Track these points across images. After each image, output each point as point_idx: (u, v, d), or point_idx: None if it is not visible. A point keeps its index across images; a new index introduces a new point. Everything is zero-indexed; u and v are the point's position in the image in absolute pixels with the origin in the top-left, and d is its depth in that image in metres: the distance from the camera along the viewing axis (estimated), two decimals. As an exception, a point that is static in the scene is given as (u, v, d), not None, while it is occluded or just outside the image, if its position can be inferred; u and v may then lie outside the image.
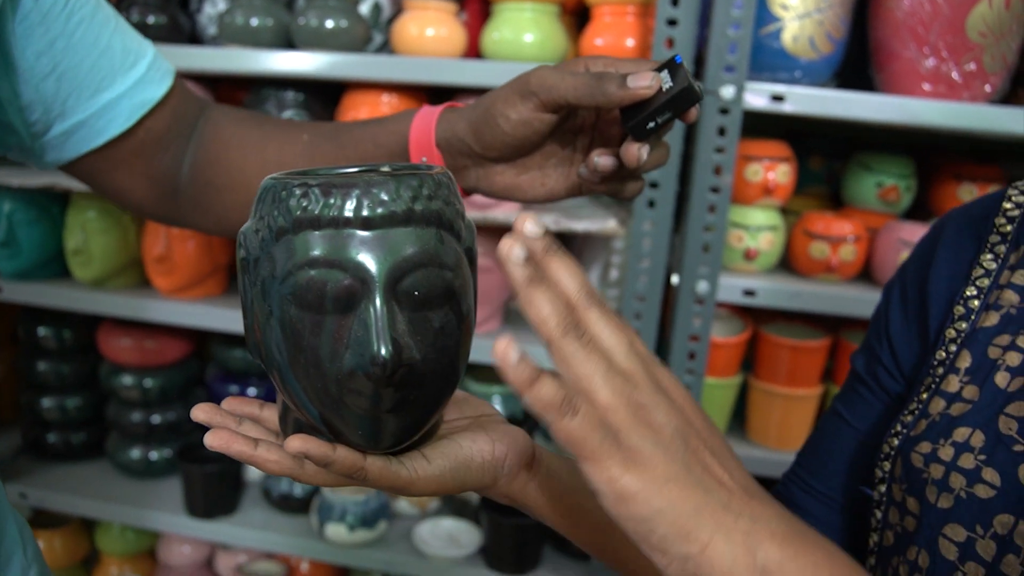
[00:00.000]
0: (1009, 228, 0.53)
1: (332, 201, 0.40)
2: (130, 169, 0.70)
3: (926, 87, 1.03)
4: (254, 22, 1.13)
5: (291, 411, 0.46)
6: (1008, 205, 0.54)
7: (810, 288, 1.10)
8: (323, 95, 1.24)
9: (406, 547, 1.29)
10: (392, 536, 1.32)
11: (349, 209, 0.40)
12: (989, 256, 0.53)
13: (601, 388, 0.35)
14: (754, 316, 1.23)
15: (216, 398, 1.41)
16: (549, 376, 0.34)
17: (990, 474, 0.46)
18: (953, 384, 0.51)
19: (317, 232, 0.40)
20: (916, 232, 1.08)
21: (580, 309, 0.38)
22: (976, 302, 0.52)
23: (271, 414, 0.50)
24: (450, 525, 1.32)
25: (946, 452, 0.49)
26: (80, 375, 1.43)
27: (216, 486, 1.33)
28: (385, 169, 0.49)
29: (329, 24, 1.11)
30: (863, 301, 1.08)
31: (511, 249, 0.36)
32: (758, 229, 1.10)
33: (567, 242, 1.33)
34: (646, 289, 1.10)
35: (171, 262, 1.21)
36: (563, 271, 0.38)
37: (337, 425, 0.43)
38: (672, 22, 1.00)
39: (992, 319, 0.51)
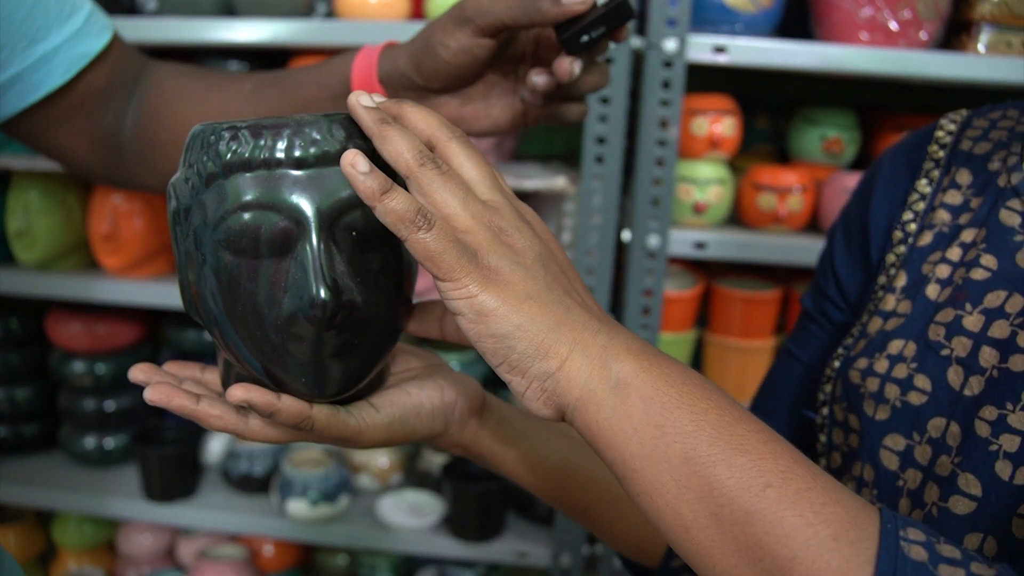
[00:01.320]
0: (942, 154, 0.55)
1: (263, 142, 0.39)
2: (71, 126, 0.68)
3: (864, 36, 1.05)
4: (195, -8, 1.12)
5: (233, 367, 0.45)
6: (940, 133, 0.56)
7: (759, 239, 1.11)
8: (268, 64, 1.22)
9: (369, 521, 1.28)
10: (355, 511, 1.31)
11: (280, 149, 0.39)
12: (924, 181, 0.55)
13: (459, 212, 0.35)
14: (706, 271, 1.24)
15: (171, 381, 1.38)
16: (402, 190, 0.34)
17: (922, 380, 0.47)
18: (890, 303, 0.53)
19: (248, 175, 0.40)
20: (860, 181, 1.10)
21: (442, 141, 0.38)
22: (913, 225, 0.54)
23: (213, 377, 0.49)
24: (412, 497, 1.32)
25: (881, 365, 0.50)
26: (29, 365, 1.39)
27: (174, 469, 1.30)
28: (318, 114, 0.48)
29: (271, -9, 1.10)
30: (812, 251, 1.09)
31: (358, 96, 0.37)
32: (706, 183, 1.12)
33: (521, 199, 1.33)
34: (598, 246, 1.10)
35: (118, 240, 1.19)
36: (419, 114, 0.39)
37: (280, 375, 0.42)
38: (612, -24, 1.01)
39: (926, 239, 0.53)
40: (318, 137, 0.40)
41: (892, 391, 0.49)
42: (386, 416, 0.45)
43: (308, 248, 0.39)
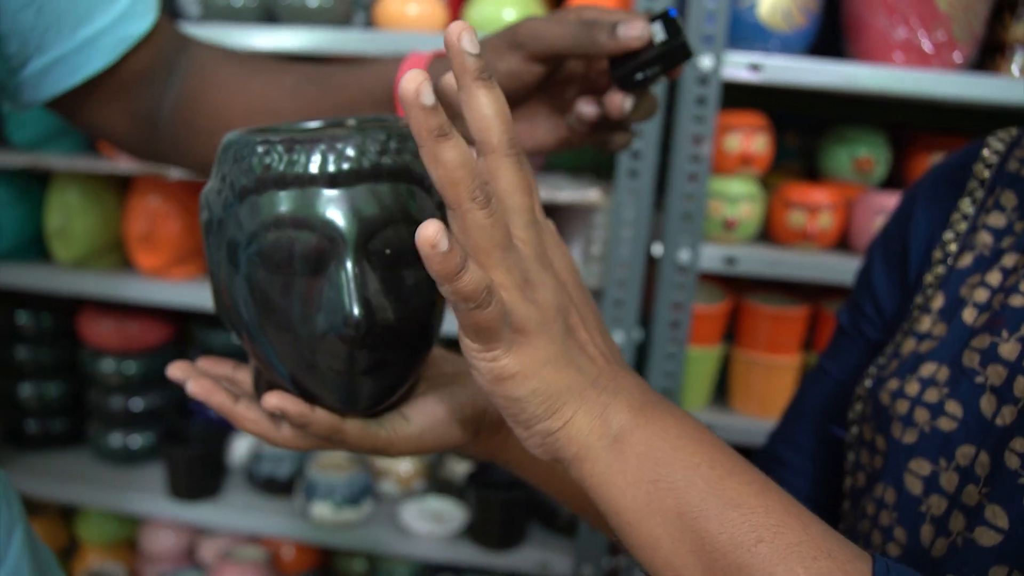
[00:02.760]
0: (987, 174, 0.54)
1: (296, 158, 0.39)
2: (111, 106, 0.68)
3: (898, 56, 1.06)
4: (238, 1, 1.14)
5: (263, 374, 0.44)
6: (987, 152, 0.55)
7: (789, 256, 1.12)
8: (306, 73, 1.24)
9: (391, 527, 1.29)
10: (377, 516, 1.32)
11: (314, 166, 0.38)
12: (967, 200, 0.54)
13: (498, 265, 0.34)
14: (736, 287, 1.24)
15: (199, 382, 1.40)
16: (473, 265, 0.31)
17: (953, 406, 0.47)
18: (925, 324, 0.52)
19: (282, 191, 0.39)
20: (891, 201, 1.11)
21: (496, 153, 0.35)
22: (954, 246, 0.53)
23: (244, 376, 0.49)
24: (435, 503, 1.32)
25: (912, 387, 0.49)
26: (59, 361, 1.41)
27: (200, 469, 1.32)
28: (351, 123, 0.47)
29: (313, 2, 1.12)
30: (841, 269, 1.10)
31: (419, 91, 0.31)
32: (737, 199, 1.12)
33: (550, 214, 1.34)
34: (628, 259, 1.11)
35: (154, 240, 1.21)
36: (488, 108, 0.34)
37: (311, 388, 0.41)
38: (651, -7, 1.02)
39: (967, 260, 0.52)
40: (352, 153, 0.39)
41: (922, 415, 0.48)
42: (417, 427, 0.45)
43: (342, 267, 0.38)
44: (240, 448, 1.40)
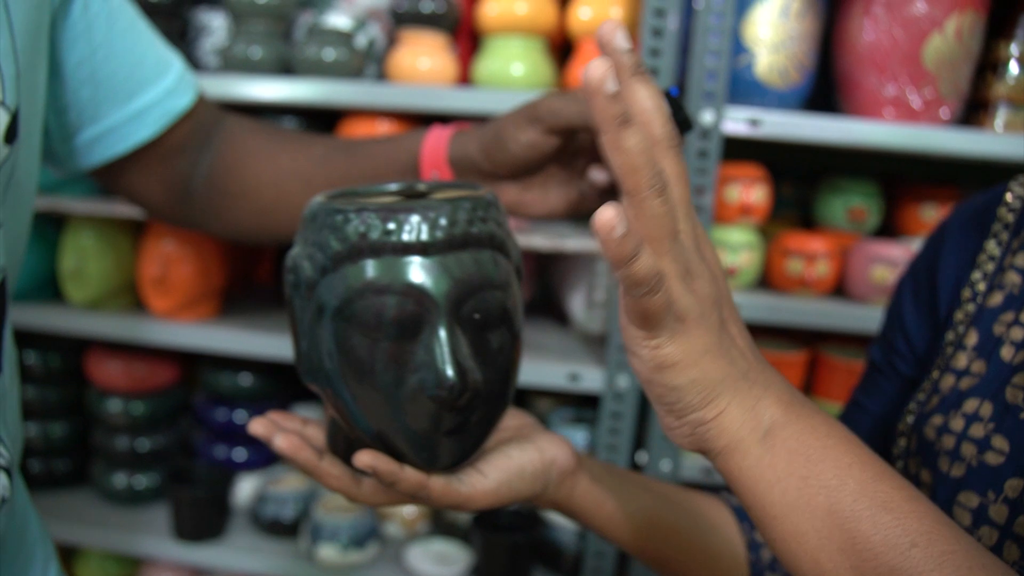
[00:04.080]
0: (1011, 217, 0.57)
1: (391, 227, 0.40)
2: (149, 173, 0.73)
3: (888, 112, 1.11)
4: (255, 53, 1.18)
5: (342, 430, 0.46)
6: (1009, 197, 0.58)
7: (788, 303, 1.16)
8: (320, 121, 1.28)
9: (396, 569, 1.30)
10: (382, 559, 1.32)
11: (409, 234, 0.40)
12: (993, 242, 0.57)
13: (667, 253, 0.34)
14: (734, 332, 1.28)
15: (205, 423, 1.41)
16: (646, 250, 0.32)
17: (999, 441, 0.48)
18: (962, 361, 0.54)
19: (378, 259, 0.40)
20: (885, 249, 1.15)
21: (662, 146, 0.36)
22: (982, 285, 0.56)
23: (314, 431, 0.50)
24: (439, 546, 1.33)
25: (957, 423, 0.51)
26: (65, 401, 1.42)
27: (205, 510, 1.32)
28: (422, 187, 0.48)
29: (329, 55, 1.16)
30: (838, 315, 1.13)
31: (604, 78, 0.32)
32: (738, 247, 1.16)
33: (555, 261, 1.37)
34: (633, 304, 1.14)
35: (168, 283, 1.23)
36: (650, 102, 0.36)
37: (396, 445, 0.42)
38: (655, 52, 1.07)
39: (997, 299, 0.54)
40: (444, 223, 0.40)
41: (969, 450, 0.50)
42: (493, 481, 0.46)
43: (436, 331, 0.40)
44: (245, 489, 1.41)
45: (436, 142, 0.64)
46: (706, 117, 1.08)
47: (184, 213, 0.76)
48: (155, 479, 1.41)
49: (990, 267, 0.56)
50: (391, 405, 0.41)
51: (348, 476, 0.45)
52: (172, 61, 0.70)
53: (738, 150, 1.22)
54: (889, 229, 1.30)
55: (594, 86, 0.32)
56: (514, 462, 0.48)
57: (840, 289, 1.22)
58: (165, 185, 0.74)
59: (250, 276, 1.54)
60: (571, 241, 1.15)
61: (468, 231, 0.41)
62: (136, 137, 0.68)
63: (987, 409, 0.50)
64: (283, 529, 1.35)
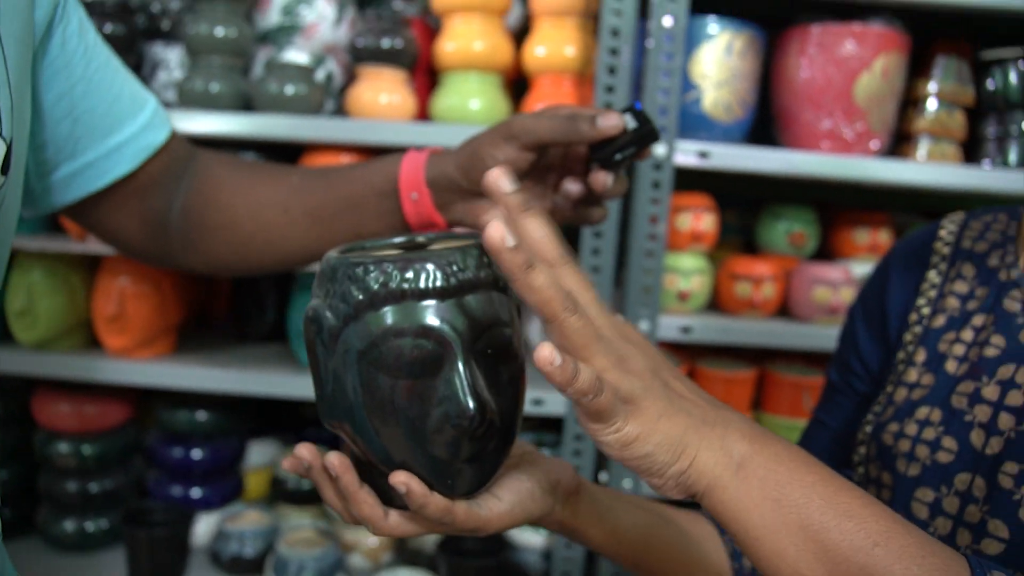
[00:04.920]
0: (947, 251, 0.66)
1: (409, 275, 0.44)
2: (125, 209, 0.72)
3: (824, 144, 1.19)
4: (214, 88, 1.18)
5: (363, 466, 0.49)
6: (943, 232, 0.67)
7: (737, 324, 1.22)
8: (279, 157, 1.29)
9: (363, 601, 1.29)
10: (348, 591, 1.31)
11: (427, 281, 0.44)
12: (933, 272, 0.65)
13: (597, 354, 0.39)
14: (690, 353, 1.33)
15: (160, 462, 1.38)
16: (582, 367, 0.37)
17: (948, 442, 0.56)
18: (913, 375, 0.62)
19: (399, 305, 0.44)
20: (824, 272, 1.23)
21: (557, 264, 0.41)
22: (927, 309, 0.64)
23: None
24: (406, 574, 1.33)
25: (911, 428, 0.59)
26: (9, 446, 1.37)
27: (164, 552, 1.29)
28: (421, 239, 0.53)
29: (289, 90, 1.17)
30: (784, 334, 1.20)
31: (503, 236, 0.37)
32: (689, 273, 1.22)
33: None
34: (593, 329, 1.18)
35: (123, 321, 1.21)
36: (539, 232, 0.41)
37: (422, 476, 0.46)
38: (610, 89, 1.12)
39: (940, 321, 0.63)
40: (457, 268, 0.44)
41: (923, 451, 0.57)
42: (508, 503, 0.49)
43: (455, 367, 0.44)
44: (203, 527, 1.38)
45: (413, 164, 0.68)
46: (659, 150, 1.13)
47: (161, 249, 0.76)
48: (107, 523, 1.37)
49: (932, 293, 0.65)
50: (415, 438, 0.45)
51: (378, 507, 0.47)
52: (147, 96, 0.71)
53: (686, 181, 1.29)
54: (825, 252, 1.38)
55: (497, 245, 0.36)
56: (525, 485, 0.51)
57: (784, 310, 1.29)
58: (141, 220, 0.73)
59: (206, 311, 1.52)
60: (533, 270, 1.18)
61: (477, 275, 0.45)
62: (114, 172, 0.69)
63: (936, 415, 0.58)
64: (245, 566, 1.32)
